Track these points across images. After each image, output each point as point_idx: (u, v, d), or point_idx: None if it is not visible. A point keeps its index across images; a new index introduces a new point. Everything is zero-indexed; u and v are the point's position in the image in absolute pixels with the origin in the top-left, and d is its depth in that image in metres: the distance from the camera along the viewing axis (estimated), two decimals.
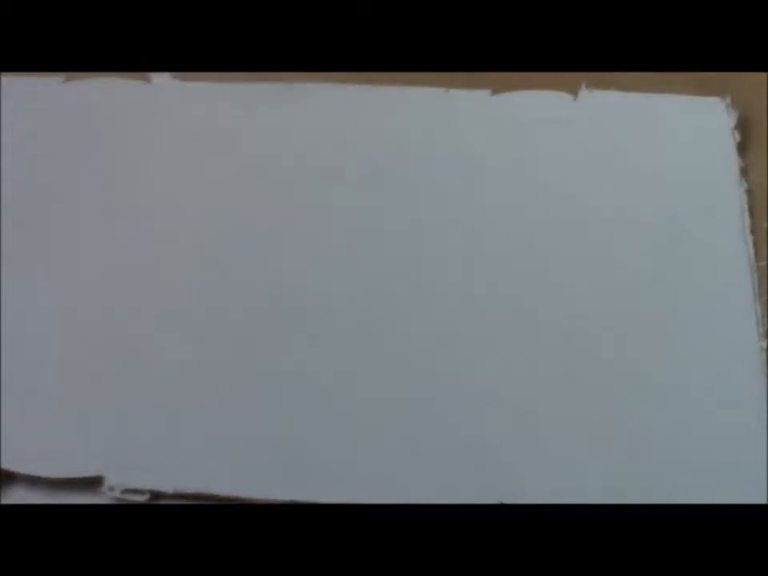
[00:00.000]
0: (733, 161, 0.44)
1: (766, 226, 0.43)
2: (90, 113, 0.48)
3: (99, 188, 0.46)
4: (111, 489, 0.38)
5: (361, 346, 0.41)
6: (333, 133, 0.47)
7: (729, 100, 0.46)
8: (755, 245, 0.42)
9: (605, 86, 0.47)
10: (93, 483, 0.38)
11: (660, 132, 0.46)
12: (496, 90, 0.47)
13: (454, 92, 0.47)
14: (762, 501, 0.37)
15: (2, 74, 0.48)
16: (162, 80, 0.48)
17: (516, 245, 0.43)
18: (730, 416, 0.39)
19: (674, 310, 0.41)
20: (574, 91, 0.47)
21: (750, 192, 0.44)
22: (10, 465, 0.39)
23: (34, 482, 0.39)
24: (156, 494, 0.38)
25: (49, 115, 0.48)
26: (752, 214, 0.43)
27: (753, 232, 0.43)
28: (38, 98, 0.48)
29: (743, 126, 0.46)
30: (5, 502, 0.38)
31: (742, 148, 0.45)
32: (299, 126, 0.47)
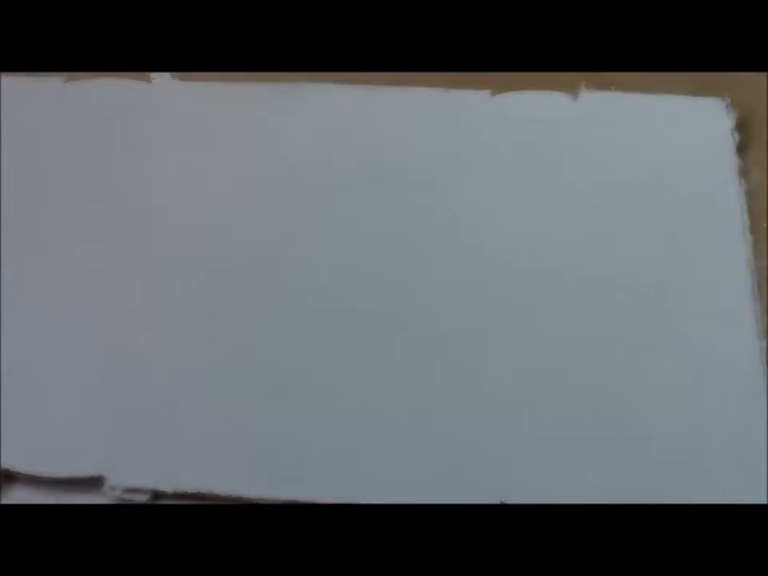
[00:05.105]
0: (732, 161, 0.44)
1: (765, 225, 0.43)
2: (89, 113, 0.48)
3: (99, 188, 0.45)
4: (112, 488, 0.38)
5: (361, 346, 0.41)
6: (333, 133, 0.46)
7: (729, 100, 0.46)
8: (755, 245, 0.42)
9: (605, 85, 0.47)
10: (94, 483, 0.38)
11: (660, 132, 0.46)
12: (496, 90, 0.47)
13: (453, 92, 0.47)
14: (762, 501, 0.37)
15: (2, 73, 0.48)
16: (161, 80, 0.48)
17: (515, 245, 0.43)
18: (730, 416, 0.39)
19: (674, 309, 0.41)
20: (573, 91, 0.47)
21: (749, 192, 0.44)
22: (10, 465, 0.39)
23: (34, 481, 0.39)
24: (156, 494, 0.38)
25: (49, 115, 0.48)
26: (752, 214, 0.43)
27: (753, 232, 0.43)
28: (38, 97, 0.48)
29: (743, 127, 0.46)
30: (5, 501, 0.38)
31: (742, 148, 0.45)
32: (299, 126, 0.47)
